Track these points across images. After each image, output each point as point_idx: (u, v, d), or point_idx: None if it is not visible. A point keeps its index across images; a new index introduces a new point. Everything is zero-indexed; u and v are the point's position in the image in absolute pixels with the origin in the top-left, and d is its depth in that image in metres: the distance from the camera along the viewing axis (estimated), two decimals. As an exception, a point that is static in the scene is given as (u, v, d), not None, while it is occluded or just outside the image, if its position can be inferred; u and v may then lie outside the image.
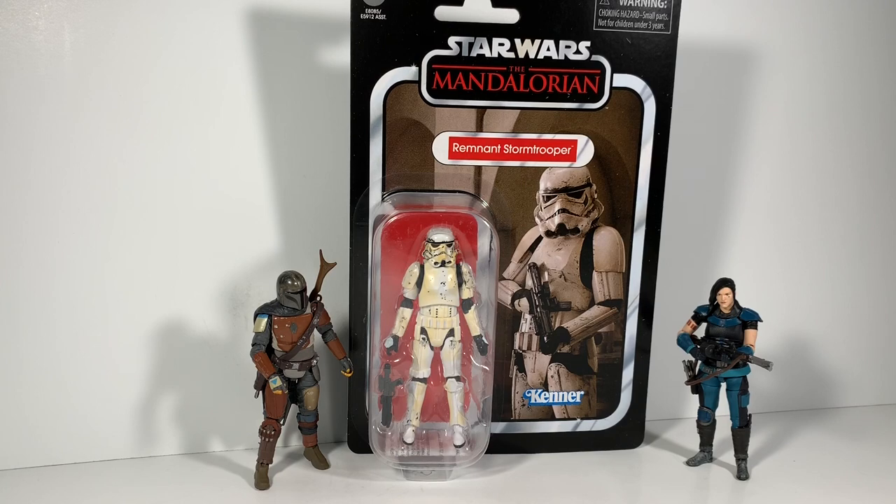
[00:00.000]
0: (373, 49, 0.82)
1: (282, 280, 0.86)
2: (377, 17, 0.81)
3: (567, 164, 0.89)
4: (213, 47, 0.89)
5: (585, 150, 0.88)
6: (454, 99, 0.85)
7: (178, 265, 0.92)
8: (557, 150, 0.88)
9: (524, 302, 0.92)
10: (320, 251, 0.88)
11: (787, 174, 1.09)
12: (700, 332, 0.93)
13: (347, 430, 0.95)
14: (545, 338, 0.93)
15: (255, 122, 0.91)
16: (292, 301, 0.86)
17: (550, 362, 0.94)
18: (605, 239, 0.92)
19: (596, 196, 0.90)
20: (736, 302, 0.90)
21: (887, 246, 1.14)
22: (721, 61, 1.03)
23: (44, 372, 0.89)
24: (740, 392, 0.92)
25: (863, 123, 1.10)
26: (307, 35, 0.90)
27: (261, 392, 0.88)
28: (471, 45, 0.83)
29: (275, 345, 0.87)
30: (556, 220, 0.90)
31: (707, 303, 0.92)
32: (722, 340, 0.90)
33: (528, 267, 0.92)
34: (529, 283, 0.92)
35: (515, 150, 0.87)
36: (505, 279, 0.92)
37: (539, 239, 0.91)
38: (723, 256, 1.09)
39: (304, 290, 0.86)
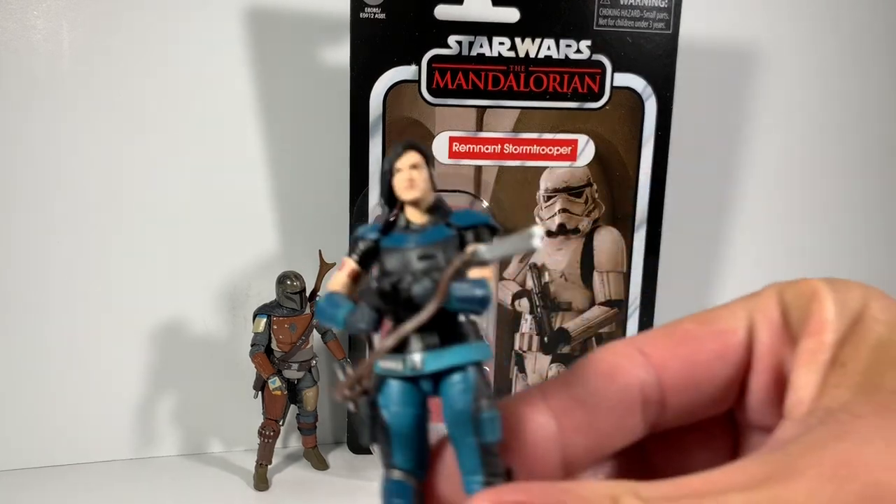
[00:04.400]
0: (372, 48, 0.82)
1: (281, 280, 0.86)
2: (377, 15, 0.81)
3: (567, 163, 0.88)
4: (212, 46, 0.88)
5: (586, 149, 0.88)
6: (454, 98, 0.84)
7: (177, 265, 0.91)
8: (558, 150, 0.88)
9: (524, 302, 0.92)
10: (319, 251, 0.87)
11: (791, 174, 1.08)
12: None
13: (347, 431, 0.94)
14: (545, 338, 0.93)
15: (253, 122, 0.91)
16: (291, 301, 0.85)
17: (551, 363, 0.94)
18: (606, 239, 0.91)
19: (597, 196, 0.90)
20: None
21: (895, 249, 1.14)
22: (723, 60, 1.02)
23: (41, 372, 0.89)
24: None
25: (870, 123, 1.09)
26: (306, 34, 0.90)
27: (260, 393, 0.88)
28: (471, 45, 0.83)
29: (274, 345, 0.87)
30: (557, 219, 0.90)
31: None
32: None
33: (528, 267, 0.91)
34: (530, 283, 0.92)
35: (516, 149, 0.87)
36: (505, 279, 0.91)
37: (540, 238, 0.90)
38: (725, 257, 1.08)
39: (304, 290, 0.86)
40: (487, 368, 0.93)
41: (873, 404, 0.25)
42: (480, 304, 0.28)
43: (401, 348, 0.29)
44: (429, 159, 0.31)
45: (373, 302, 0.29)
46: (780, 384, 0.31)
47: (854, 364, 0.27)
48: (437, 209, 0.31)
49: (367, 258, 0.32)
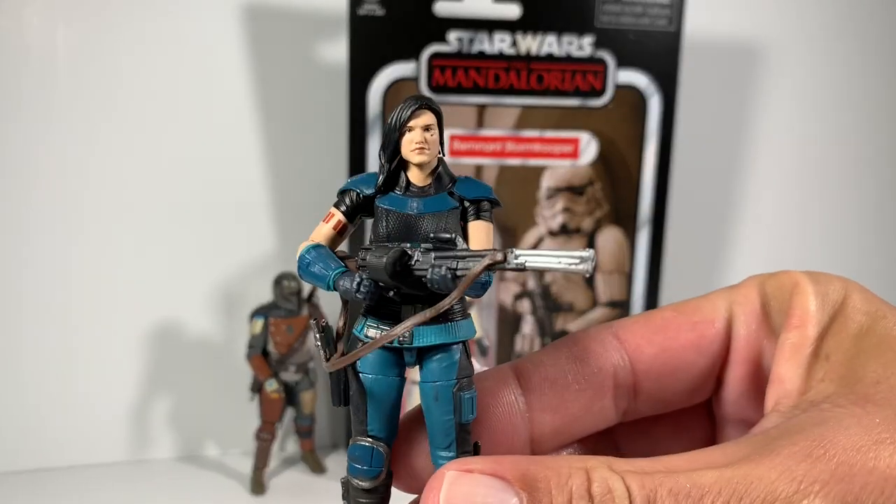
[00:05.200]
0: (371, 45, 0.81)
1: (278, 281, 0.85)
2: (375, 12, 0.80)
3: (569, 162, 0.87)
4: (208, 44, 0.87)
5: (588, 147, 0.87)
6: (454, 95, 0.83)
7: (173, 266, 0.90)
8: (560, 148, 0.86)
9: (525, 303, 0.91)
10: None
11: (797, 172, 1.07)
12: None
13: (345, 434, 0.93)
14: (547, 339, 0.92)
15: (251, 120, 0.90)
16: (288, 302, 0.84)
17: (553, 365, 0.92)
18: (609, 239, 0.90)
19: (599, 195, 0.89)
20: None
21: (897, 248, 1.13)
22: (729, 57, 1.01)
23: (37, 375, 0.88)
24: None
25: (878, 120, 1.08)
26: (304, 31, 0.89)
27: (256, 395, 0.86)
28: (471, 41, 0.82)
29: (271, 347, 0.85)
30: (559, 219, 0.89)
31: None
32: None
33: (529, 267, 0.90)
34: (531, 283, 0.90)
35: (517, 147, 0.86)
36: (506, 280, 0.90)
37: (541, 239, 0.89)
38: (730, 257, 1.07)
39: (300, 291, 0.85)
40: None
41: (854, 395, 0.25)
42: (482, 288, 0.28)
43: (390, 318, 0.29)
44: (441, 120, 0.30)
45: (377, 276, 0.28)
46: (758, 376, 0.30)
47: (837, 356, 0.27)
48: (440, 174, 0.30)
49: (356, 212, 0.31)
